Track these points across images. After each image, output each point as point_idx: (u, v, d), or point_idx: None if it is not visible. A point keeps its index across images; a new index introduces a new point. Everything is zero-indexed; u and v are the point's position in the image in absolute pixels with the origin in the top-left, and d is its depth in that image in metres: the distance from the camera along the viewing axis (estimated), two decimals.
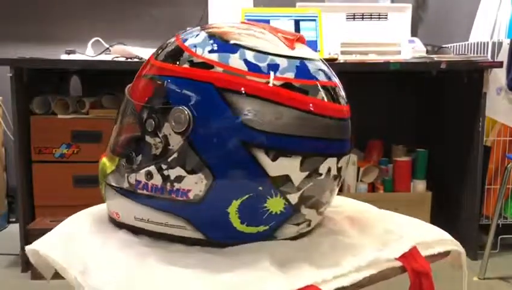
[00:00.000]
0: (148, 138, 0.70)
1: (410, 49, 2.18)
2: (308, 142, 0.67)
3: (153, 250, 0.70)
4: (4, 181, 2.50)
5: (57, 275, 0.73)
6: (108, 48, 2.22)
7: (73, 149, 2.00)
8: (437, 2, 2.66)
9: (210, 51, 0.68)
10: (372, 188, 2.24)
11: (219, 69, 0.66)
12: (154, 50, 0.76)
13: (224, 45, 0.68)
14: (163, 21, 2.57)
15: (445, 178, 2.29)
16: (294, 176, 0.67)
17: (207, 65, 0.66)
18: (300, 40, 0.74)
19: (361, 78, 2.20)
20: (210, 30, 0.72)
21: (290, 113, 0.65)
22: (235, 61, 0.66)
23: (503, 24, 2.33)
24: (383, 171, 2.24)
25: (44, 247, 0.76)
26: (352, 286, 0.66)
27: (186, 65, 0.68)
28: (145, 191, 0.70)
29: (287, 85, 0.66)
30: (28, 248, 0.77)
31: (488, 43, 2.19)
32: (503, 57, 2.11)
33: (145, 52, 1.99)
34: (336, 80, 0.73)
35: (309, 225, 0.75)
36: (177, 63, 0.69)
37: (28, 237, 1.88)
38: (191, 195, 0.67)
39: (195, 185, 0.67)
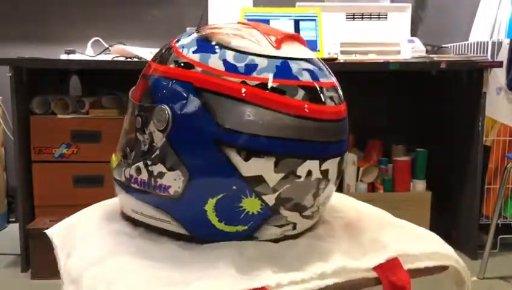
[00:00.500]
0: (138, 135, 0.72)
1: (410, 49, 2.18)
2: (281, 144, 0.65)
3: (134, 240, 0.73)
4: (4, 181, 2.50)
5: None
6: (108, 48, 2.22)
7: (73, 149, 2.00)
8: (437, 2, 2.66)
9: (194, 52, 0.69)
10: (372, 187, 2.24)
11: (198, 69, 0.67)
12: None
13: (207, 45, 0.69)
14: (163, 21, 2.57)
15: (445, 178, 2.29)
16: (269, 177, 0.66)
17: (189, 65, 0.68)
18: (297, 39, 0.74)
19: (361, 78, 2.20)
20: (202, 31, 0.73)
21: (263, 113, 0.64)
22: (215, 61, 0.67)
23: (503, 24, 2.34)
24: (382, 171, 2.24)
25: (52, 232, 0.83)
26: None
27: (172, 65, 0.69)
28: (136, 186, 0.73)
29: (263, 85, 0.65)
30: (47, 231, 0.85)
31: (487, 43, 2.19)
32: (503, 56, 2.11)
33: (144, 52, 1.99)
34: (327, 80, 0.71)
35: (294, 228, 0.73)
36: (166, 63, 0.70)
37: (28, 237, 1.88)
38: (171, 191, 0.68)
39: (174, 181, 0.68)
